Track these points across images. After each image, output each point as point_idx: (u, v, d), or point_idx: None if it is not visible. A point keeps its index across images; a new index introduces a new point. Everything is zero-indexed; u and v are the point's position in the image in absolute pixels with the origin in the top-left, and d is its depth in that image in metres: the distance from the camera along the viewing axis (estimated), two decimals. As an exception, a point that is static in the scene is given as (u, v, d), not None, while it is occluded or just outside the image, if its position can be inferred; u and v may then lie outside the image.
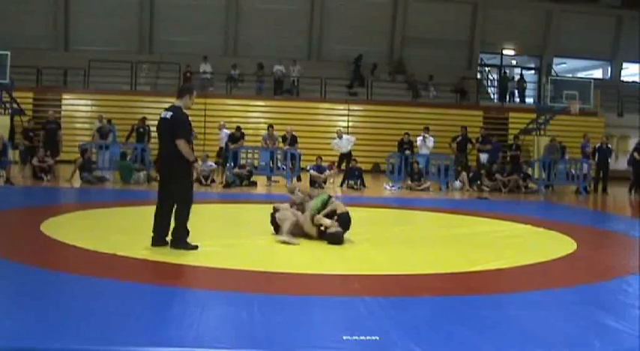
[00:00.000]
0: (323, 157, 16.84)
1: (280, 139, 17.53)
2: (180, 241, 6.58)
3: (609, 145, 18.68)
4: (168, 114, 6.63)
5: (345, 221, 7.43)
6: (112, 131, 17.47)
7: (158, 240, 6.66)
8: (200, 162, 15.81)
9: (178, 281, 5.27)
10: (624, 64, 30.54)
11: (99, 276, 5.29)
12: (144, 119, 18.29)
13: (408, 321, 4.23)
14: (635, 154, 17.60)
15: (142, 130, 17.82)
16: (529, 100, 28.48)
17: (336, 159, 18.04)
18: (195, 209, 11.10)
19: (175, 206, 6.65)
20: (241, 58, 26.12)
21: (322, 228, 7.43)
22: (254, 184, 15.86)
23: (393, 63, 27.53)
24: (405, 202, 13.35)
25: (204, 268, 5.78)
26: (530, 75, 30.83)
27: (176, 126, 6.53)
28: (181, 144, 6.47)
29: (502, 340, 3.96)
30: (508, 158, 19.18)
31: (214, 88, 24.45)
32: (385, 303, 4.65)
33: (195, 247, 6.56)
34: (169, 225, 6.67)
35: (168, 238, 6.68)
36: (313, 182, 15.75)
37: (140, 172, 15.44)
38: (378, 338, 3.83)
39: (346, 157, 17.70)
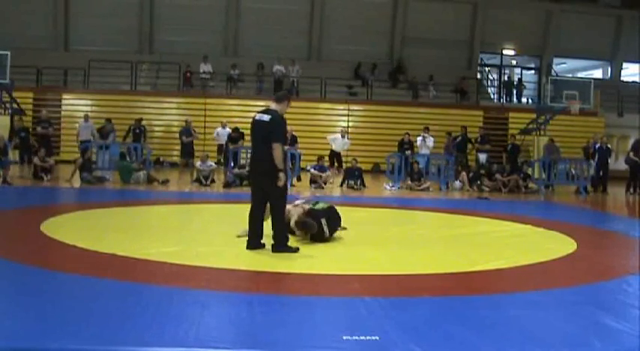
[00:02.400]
0: (324, 157, 16.82)
1: (280, 139, 17.50)
2: (281, 244, 6.60)
3: (609, 146, 18.68)
4: (266, 117, 6.64)
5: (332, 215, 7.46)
6: (113, 131, 17.49)
7: (254, 243, 6.69)
8: (200, 162, 15.84)
9: (178, 281, 5.27)
10: (624, 64, 30.54)
11: (99, 276, 5.29)
12: (140, 120, 18.32)
13: (408, 321, 4.23)
14: (631, 154, 17.62)
15: (137, 131, 17.83)
16: (527, 100, 28.57)
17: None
18: (196, 209, 11.19)
19: (272, 210, 6.68)
20: (241, 58, 26.13)
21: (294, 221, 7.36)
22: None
23: (393, 63, 27.54)
24: (405, 202, 13.34)
25: (204, 268, 5.78)
26: (530, 75, 30.86)
27: (274, 130, 6.54)
28: (277, 148, 6.46)
29: (502, 340, 3.96)
30: (504, 160, 19.09)
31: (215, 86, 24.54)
32: (385, 303, 4.64)
33: (297, 250, 6.61)
34: (263, 227, 6.75)
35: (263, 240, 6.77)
36: (314, 182, 15.76)
37: (140, 172, 15.42)
38: (378, 338, 3.83)
39: (336, 156, 17.83)
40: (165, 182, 15.41)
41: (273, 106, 6.85)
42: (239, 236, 7.26)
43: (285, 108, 6.89)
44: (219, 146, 18.82)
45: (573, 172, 17.95)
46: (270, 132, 6.54)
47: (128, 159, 16.26)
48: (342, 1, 27.21)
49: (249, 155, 16.70)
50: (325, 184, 15.86)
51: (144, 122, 19.36)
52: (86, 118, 18.14)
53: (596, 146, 18.09)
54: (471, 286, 5.63)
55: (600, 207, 14.92)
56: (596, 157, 17.83)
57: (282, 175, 6.47)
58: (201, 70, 24.43)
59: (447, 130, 20.83)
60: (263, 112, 6.79)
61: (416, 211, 11.82)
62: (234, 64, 24.66)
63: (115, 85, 23.54)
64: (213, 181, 15.61)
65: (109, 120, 18.29)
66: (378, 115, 23.84)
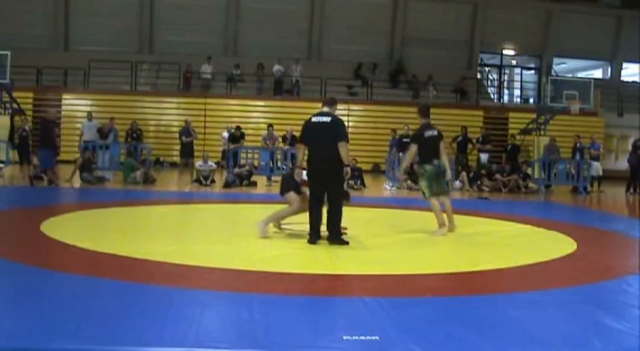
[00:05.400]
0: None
1: (280, 139, 17.53)
2: (338, 235, 7.15)
3: (584, 144, 18.83)
4: (327, 118, 7.22)
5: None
6: (112, 131, 17.43)
7: (316, 237, 7.16)
8: (202, 162, 15.85)
9: (178, 281, 5.27)
10: (624, 64, 30.57)
11: (99, 276, 5.29)
12: (135, 123, 18.28)
13: (408, 321, 4.22)
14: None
15: (134, 135, 17.79)
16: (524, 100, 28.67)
17: None
18: (196, 209, 11.19)
19: (331, 204, 7.16)
20: (241, 58, 26.13)
21: None
22: (254, 184, 15.86)
23: (393, 63, 27.54)
24: (405, 202, 13.34)
25: (204, 268, 5.78)
26: (530, 75, 30.87)
27: (340, 130, 7.14)
28: (346, 146, 7.09)
29: (502, 340, 3.95)
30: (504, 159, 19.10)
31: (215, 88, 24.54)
32: (385, 303, 4.64)
33: (347, 243, 7.12)
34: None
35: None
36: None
37: (137, 171, 15.38)
38: (378, 338, 3.82)
39: None
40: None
41: (326, 109, 7.40)
42: (264, 237, 7.37)
43: (335, 111, 7.47)
44: (224, 151, 18.56)
45: (573, 172, 17.98)
46: (336, 132, 7.10)
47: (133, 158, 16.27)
48: (342, 1, 27.22)
49: (249, 155, 16.93)
50: None
51: (140, 123, 19.32)
52: (90, 117, 17.91)
53: (577, 146, 18.32)
54: (471, 286, 5.63)
55: (600, 207, 14.92)
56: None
57: (347, 169, 7.14)
58: (204, 71, 24.41)
59: (447, 129, 20.77)
60: (320, 114, 7.31)
61: (416, 211, 11.80)
62: (238, 64, 24.65)
63: (115, 85, 23.55)
64: (213, 181, 15.61)
65: (111, 119, 18.24)
66: (378, 115, 23.83)
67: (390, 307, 4.54)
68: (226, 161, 17.16)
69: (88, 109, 21.66)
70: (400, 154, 17.54)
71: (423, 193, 8.63)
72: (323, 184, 7.17)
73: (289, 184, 7.60)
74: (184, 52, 25.21)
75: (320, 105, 7.82)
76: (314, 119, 7.28)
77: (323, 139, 7.10)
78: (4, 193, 12.48)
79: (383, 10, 27.71)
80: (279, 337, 3.81)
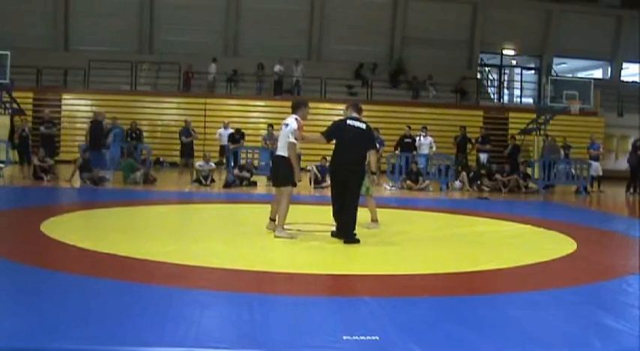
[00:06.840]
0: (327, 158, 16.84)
1: (280, 139, 17.53)
2: (353, 235, 7.31)
3: (555, 142, 18.93)
4: (362, 125, 7.55)
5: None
6: (111, 131, 17.37)
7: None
8: (202, 162, 15.85)
9: (178, 281, 5.26)
10: (624, 64, 30.59)
11: (98, 276, 5.28)
12: (135, 123, 18.25)
13: (408, 321, 4.22)
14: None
15: (134, 135, 17.76)
16: (526, 100, 28.63)
17: None
18: (196, 209, 11.19)
19: (346, 205, 7.39)
20: (241, 58, 26.14)
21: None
22: (254, 184, 15.86)
23: (393, 63, 27.54)
24: (405, 202, 13.34)
25: (204, 268, 5.77)
26: (530, 75, 30.87)
27: (374, 140, 7.76)
28: (376, 155, 7.78)
29: (502, 340, 3.95)
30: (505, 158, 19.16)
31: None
32: (385, 303, 4.64)
33: (358, 241, 7.27)
34: None
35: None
36: (318, 181, 15.81)
37: (137, 172, 15.37)
38: (378, 338, 3.82)
39: None
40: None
41: (355, 114, 7.66)
42: (293, 238, 7.44)
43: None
44: (222, 147, 18.83)
45: (573, 172, 17.98)
46: (369, 139, 7.60)
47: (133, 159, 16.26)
48: (342, 1, 27.24)
49: (249, 155, 16.92)
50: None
51: (140, 123, 19.29)
52: (101, 117, 17.75)
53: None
54: (471, 286, 5.63)
55: (600, 207, 14.92)
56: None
57: (374, 177, 7.89)
58: (210, 71, 24.39)
59: (447, 130, 20.84)
60: (354, 119, 7.60)
61: (416, 211, 11.82)
62: (235, 70, 24.64)
63: (115, 85, 23.54)
64: (213, 180, 15.60)
65: (114, 119, 18.20)
66: (378, 115, 23.73)
67: (390, 307, 4.54)
68: (226, 161, 17.15)
69: (88, 109, 21.66)
70: (399, 153, 17.60)
71: (367, 190, 8.71)
72: (343, 183, 7.43)
73: (288, 177, 7.62)
74: (184, 52, 25.21)
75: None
76: (349, 122, 7.55)
77: (355, 142, 7.44)
78: (4, 193, 12.48)
79: (383, 10, 27.72)
80: (279, 337, 3.81)
